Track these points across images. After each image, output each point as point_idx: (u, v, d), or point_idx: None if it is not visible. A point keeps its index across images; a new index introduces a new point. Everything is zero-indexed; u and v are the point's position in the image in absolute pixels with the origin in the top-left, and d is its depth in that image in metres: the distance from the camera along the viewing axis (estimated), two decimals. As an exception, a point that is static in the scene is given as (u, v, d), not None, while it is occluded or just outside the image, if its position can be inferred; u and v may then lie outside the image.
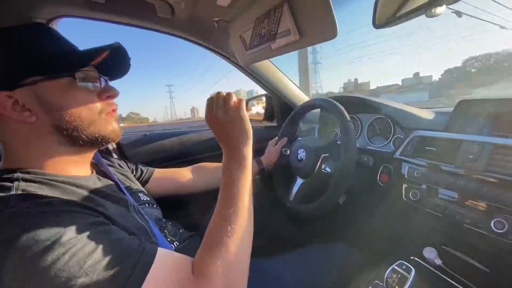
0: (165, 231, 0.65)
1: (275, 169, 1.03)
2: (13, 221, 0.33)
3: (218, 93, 0.58)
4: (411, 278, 0.54)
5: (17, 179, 0.40)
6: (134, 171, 0.79)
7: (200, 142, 1.22)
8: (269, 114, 1.45)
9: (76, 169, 0.50)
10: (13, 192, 0.37)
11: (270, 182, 1.04)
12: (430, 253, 0.68)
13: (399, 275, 0.55)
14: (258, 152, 1.38)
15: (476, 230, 0.57)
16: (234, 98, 0.57)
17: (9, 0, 0.69)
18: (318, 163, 0.85)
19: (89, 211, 0.40)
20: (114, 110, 0.52)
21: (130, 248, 0.37)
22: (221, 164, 0.98)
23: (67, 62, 0.46)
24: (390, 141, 0.91)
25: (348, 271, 0.71)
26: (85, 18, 0.78)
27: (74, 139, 0.47)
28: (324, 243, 0.79)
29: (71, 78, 0.45)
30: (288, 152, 1.00)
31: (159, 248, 0.40)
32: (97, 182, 0.53)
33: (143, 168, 0.82)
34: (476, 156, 0.61)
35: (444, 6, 0.48)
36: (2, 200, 0.36)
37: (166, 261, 0.39)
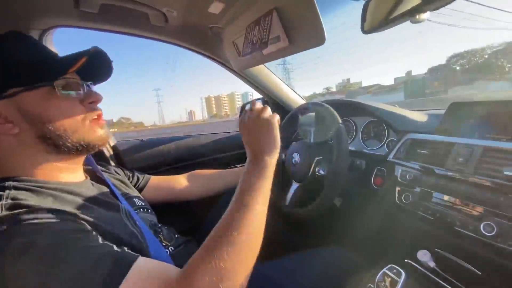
0: (160, 235, 0.65)
1: None
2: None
3: (254, 103, 0.62)
4: (401, 282, 0.54)
5: (9, 187, 0.40)
6: (131, 178, 0.80)
7: (197, 147, 1.23)
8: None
9: (68, 175, 0.51)
10: (3, 202, 0.37)
11: None
12: (423, 256, 0.69)
13: (390, 279, 0.56)
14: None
15: (466, 233, 0.58)
16: (269, 112, 0.60)
17: (4, 11, 0.70)
18: (312, 166, 0.86)
19: (74, 219, 0.40)
20: (99, 116, 0.51)
21: (105, 258, 0.36)
22: (215, 171, 0.99)
23: (44, 71, 0.45)
24: (384, 144, 0.91)
25: (343, 275, 0.71)
26: (80, 27, 0.79)
27: (60, 147, 0.46)
28: (319, 247, 0.79)
29: (50, 87, 0.45)
30: (284, 156, 1.00)
31: (139, 258, 0.38)
32: (90, 188, 0.54)
33: (139, 175, 0.83)
34: (466, 159, 0.62)
35: (428, 12, 0.49)
36: None
37: (143, 270, 0.37)
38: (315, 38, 0.60)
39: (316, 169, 0.85)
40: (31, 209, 0.37)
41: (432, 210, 0.66)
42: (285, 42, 0.65)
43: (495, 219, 0.53)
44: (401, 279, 0.55)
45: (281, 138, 1.05)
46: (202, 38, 0.95)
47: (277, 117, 0.60)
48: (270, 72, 1.19)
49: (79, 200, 0.46)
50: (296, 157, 0.91)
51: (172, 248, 0.64)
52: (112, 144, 1.02)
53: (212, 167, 1.02)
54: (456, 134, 0.70)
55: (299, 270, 0.73)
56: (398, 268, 0.58)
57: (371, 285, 0.60)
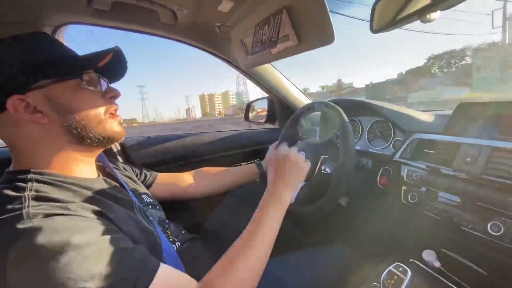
0: (168, 231, 0.66)
1: None
2: (29, 221, 0.34)
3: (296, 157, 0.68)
4: (407, 280, 0.55)
5: (31, 180, 0.41)
6: (139, 175, 0.81)
7: (203, 144, 1.24)
8: (271, 117, 1.46)
9: (84, 170, 0.52)
10: (27, 193, 0.38)
11: None
12: (429, 255, 0.69)
13: (396, 277, 0.56)
14: (259, 153, 1.40)
15: (473, 233, 0.58)
16: (303, 160, 0.70)
17: (18, 8, 0.72)
18: (318, 165, 0.86)
19: (99, 217, 0.42)
20: (115, 110, 0.54)
21: (134, 261, 0.38)
22: (221, 169, 0.99)
23: (74, 65, 0.48)
24: (390, 143, 0.92)
25: (347, 273, 0.72)
26: (91, 25, 0.80)
27: (82, 138, 0.49)
28: (324, 245, 0.80)
29: (78, 80, 0.48)
30: (289, 154, 1.01)
31: (161, 266, 0.41)
32: (104, 184, 0.55)
33: (147, 172, 0.84)
34: (473, 159, 0.62)
35: (438, 12, 0.49)
36: (18, 200, 0.37)
37: (166, 280, 0.40)
38: (324, 37, 0.61)
39: (322, 168, 0.85)
40: (58, 203, 0.39)
41: (438, 209, 0.66)
42: (294, 41, 0.66)
43: (502, 219, 0.54)
44: (407, 278, 0.55)
45: (286, 137, 1.06)
46: (211, 37, 0.96)
47: (308, 166, 0.70)
48: (277, 71, 1.20)
49: (98, 197, 0.47)
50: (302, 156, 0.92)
51: (179, 244, 0.65)
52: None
53: (218, 164, 1.03)
54: (464, 134, 0.70)
55: (304, 267, 0.74)
56: (404, 266, 0.58)
57: (376, 284, 0.61)
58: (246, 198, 1.09)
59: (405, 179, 0.76)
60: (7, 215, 0.35)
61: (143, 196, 0.69)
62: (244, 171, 0.99)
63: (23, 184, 0.40)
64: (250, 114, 1.60)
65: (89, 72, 0.50)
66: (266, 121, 1.49)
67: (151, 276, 0.38)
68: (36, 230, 0.33)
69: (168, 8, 0.77)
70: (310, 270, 0.73)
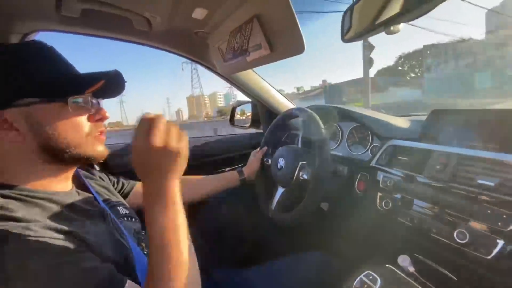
0: (143, 243, 0.65)
1: (257, 179, 1.04)
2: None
3: (159, 118, 0.45)
4: (376, 289, 0.55)
5: None
6: (116, 184, 0.79)
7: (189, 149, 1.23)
8: (255, 121, 1.46)
9: (57, 185, 0.50)
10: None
11: (252, 192, 1.05)
12: (404, 261, 0.69)
13: (366, 286, 0.56)
14: (244, 158, 1.39)
15: (441, 240, 0.59)
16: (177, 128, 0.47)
17: None
18: (296, 171, 0.86)
19: (65, 236, 0.40)
20: (101, 132, 0.52)
21: (98, 280, 0.37)
22: (200, 177, 0.98)
23: (62, 87, 0.46)
24: (368, 149, 0.92)
25: (325, 280, 0.72)
26: (61, 31, 0.78)
27: (59, 158, 0.47)
28: (304, 251, 0.80)
29: (64, 103, 0.45)
30: (270, 161, 1.01)
31: (128, 282, 0.39)
32: (76, 197, 0.53)
33: (124, 182, 0.82)
34: (443, 167, 0.63)
35: (402, 24, 0.50)
36: None
37: None
38: (295, 46, 0.61)
39: (300, 174, 0.85)
40: (21, 223, 0.37)
41: (411, 216, 0.67)
42: (266, 50, 0.65)
43: (468, 227, 0.54)
44: (377, 286, 0.56)
45: (268, 143, 1.06)
46: (188, 43, 0.95)
47: (186, 140, 0.48)
48: (259, 77, 1.20)
49: (67, 213, 0.45)
50: (281, 162, 0.92)
51: None
52: None
53: (203, 170, 1.02)
54: (436, 141, 0.71)
55: (282, 275, 0.74)
56: (374, 274, 0.58)
57: (350, 291, 0.61)
58: (228, 204, 1.09)
59: (380, 185, 0.77)
60: None
61: (118, 207, 0.67)
62: (225, 177, 0.99)
63: None
64: (236, 118, 1.59)
65: (77, 96, 0.47)
66: (250, 126, 1.49)
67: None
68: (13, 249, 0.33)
69: (140, 15, 0.76)
70: (288, 278, 0.73)
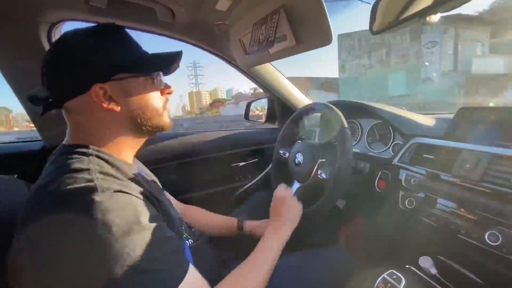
0: (183, 227, 0.67)
1: (273, 171, 1.03)
2: (102, 195, 0.38)
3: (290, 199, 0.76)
4: (400, 288, 0.54)
5: (91, 155, 0.46)
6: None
7: (202, 143, 1.24)
8: (270, 116, 1.45)
9: (127, 156, 0.56)
10: (93, 166, 0.42)
11: (269, 184, 1.05)
12: (425, 262, 0.68)
13: (389, 285, 0.55)
14: (258, 153, 1.39)
15: (470, 241, 0.56)
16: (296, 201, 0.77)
17: (15, 5, 0.71)
18: (315, 169, 0.85)
19: (151, 202, 0.47)
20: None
21: (178, 251, 0.44)
22: (206, 213, 0.94)
23: (148, 65, 0.53)
24: (390, 147, 0.90)
25: (343, 277, 0.71)
26: (88, 21, 0.80)
27: (141, 127, 0.53)
28: (321, 247, 0.79)
29: (148, 78, 0.53)
30: (287, 154, 1.00)
31: (190, 266, 0.45)
32: (140, 173, 0.59)
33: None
34: (473, 166, 0.60)
35: (439, 14, 0.48)
36: (86, 171, 0.41)
37: (195, 276, 0.45)
38: (322, 37, 0.59)
39: (318, 172, 0.84)
40: (120, 181, 0.44)
41: (436, 216, 0.65)
42: (291, 41, 0.64)
43: (501, 228, 0.52)
44: (401, 286, 0.54)
45: (285, 136, 1.05)
46: (209, 35, 0.95)
47: (299, 207, 0.77)
48: (277, 71, 1.18)
49: (144, 183, 0.51)
50: (299, 157, 0.91)
51: (191, 241, 0.66)
52: None
53: (218, 163, 1.02)
54: (464, 139, 0.68)
55: (299, 268, 0.73)
56: (398, 274, 0.57)
57: (370, 290, 0.60)
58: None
59: (403, 184, 0.75)
60: (79, 185, 0.38)
61: (161, 193, 0.68)
62: (224, 224, 0.90)
63: (85, 157, 0.44)
64: (250, 114, 1.59)
65: (157, 72, 0.54)
66: (265, 121, 1.48)
67: (186, 268, 0.43)
68: (109, 205, 0.37)
69: (166, 6, 0.76)
70: (306, 271, 0.72)
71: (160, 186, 0.74)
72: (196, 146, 1.23)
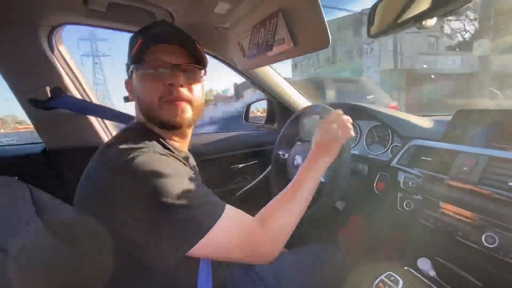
0: None
1: (273, 172, 1.04)
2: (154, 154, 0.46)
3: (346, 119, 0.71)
4: (398, 291, 0.54)
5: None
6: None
7: (202, 145, 1.24)
8: (270, 118, 1.46)
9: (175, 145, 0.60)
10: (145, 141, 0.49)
11: (269, 184, 1.05)
12: (424, 264, 0.68)
13: (387, 287, 0.55)
14: (258, 155, 1.39)
15: (468, 243, 0.57)
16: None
17: (15, 8, 0.72)
18: None
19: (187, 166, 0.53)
20: (174, 99, 0.54)
21: (211, 199, 0.49)
22: None
23: (138, 56, 0.54)
24: (388, 149, 0.90)
25: (341, 278, 0.71)
26: (88, 25, 0.80)
27: (151, 120, 0.55)
28: (321, 242, 0.79)
29: (142, 68, 0.54)
30: (286, 156, 1.00)
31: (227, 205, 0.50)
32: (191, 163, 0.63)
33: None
34: (471, 168, 0.61)
35: (435, 19, 0.48)
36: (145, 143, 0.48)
37: (232, 214, 0.50)
38: (320, 40, 0.60)
39: None
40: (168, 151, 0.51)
41: (434, 218, 0.65)
42: (289, 44, 0.65)
43: (498, 231, 0.52)
44: (399, 288, 0.54)
45: (284, 137, 1.05)
46: (208, 38, 0.95)
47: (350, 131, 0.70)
48: (275, 73, 1.19)
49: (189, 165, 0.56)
50: (298, 160, 0.91)
51: None
52: None
53: (217, 165, 1.02)
54: (462, 142, 0.68)
55: (297, 267, 0.73)
56: (396, 276, 0.57)
57: (368, 292, 0.60)
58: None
59: (401, 185, 0.75)
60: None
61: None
62: None
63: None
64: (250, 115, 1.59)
65: (150, 59, 0.53)
66: (265, 123, 1.49)
67: (223, 208, 0.48)
68: (155, 158, 0.46)
69: (164, 9, 0.77)
70: (304, 271, 0.72)
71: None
72: (196, 148, 1.23)
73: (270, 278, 0.67)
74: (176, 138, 0.60)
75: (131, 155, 0.44)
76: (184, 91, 0.55)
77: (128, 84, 0.60)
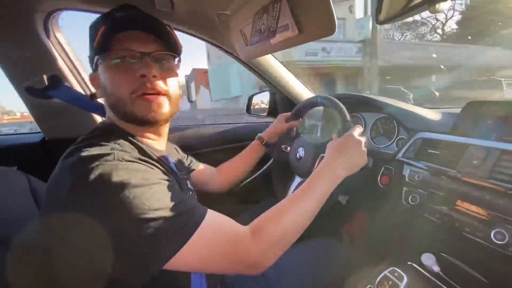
0: None
1: (274, 165, 1.02)
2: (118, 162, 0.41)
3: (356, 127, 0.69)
4: (402, 286, 0.52)
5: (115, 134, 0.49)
6: (185, 159, 0.82)
7: (201, 137, 1.23)
8: (272, 110, 1.43)
9: (149, 142, 0.56)
10: (112, 145, 0.45)
11: (270, 178, 1.04)
12: (428, 259, 0.66)
13: (391, 282, 0.54)
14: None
15: (475, 239, 0.55)
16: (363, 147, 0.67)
17: None
18: (316, 163, 0.83)
19: (165, 176, 0.46)
20: (147, 93, 0.49)
21: (187, 206, 0.43)
22: (232, 161, 0.98)
23: (103, 45, 0.48)
24: (394, 142, 0.88)
25: (344, 273, 0.70)
26: (85, 11, 0.78)
27: (122, 116, 0.51)
28: (323, 237, 0.78)
29: (109, 59, 0.49)
30: (288, 149, 0.98)
31: (209, 211, 0.45)
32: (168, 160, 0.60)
33: (193, 159, 0.86)
34: (480, 162, 0.58)
35: (449, 1, 0.45)
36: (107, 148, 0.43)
37: (216, 219, 0.45)
38: (326, 27, 0.57)
39: None
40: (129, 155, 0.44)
41: (440, 213, 0.63)
42: (293, 31, 0.62)
43: (507, 226, 0.50)
44: (403, 284, 0.53)
45: (287, 133, 1.03)
46: (210, 25, 0.92)
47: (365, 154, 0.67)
48: (278, 63, 1.16)
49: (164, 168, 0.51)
50: (301, 152, 0.89)
51: None
52: None
53: (217, 158, 1.00)
54: (472, 134, 0.66)
55: (300, 261, 0.72)
56: (400, 271, 0.56)
57: (371, 286, 0.59)
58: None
59: (407, 179, 0.73)
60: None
61: (187, 181, 0.68)
62: (251, 152, 0.99)
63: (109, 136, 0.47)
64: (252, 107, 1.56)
65: (116, 48, 0.48)
66: (267, 115, 1.46)
67: (203, 215, 0.43)
68: (119, 168, 0.40)
69: (164, -6, 0.74)
70: (307, 265, 0.72)
71: (188, 176, 0.75)
72: (195, 141, 1.22)
73: (271, 273, 0.66)
74: (151, 136, 0.55)
75: (92, 165, 0.38)
76: (158, 82, 0.49)
77: (94, 78, 0.53)
